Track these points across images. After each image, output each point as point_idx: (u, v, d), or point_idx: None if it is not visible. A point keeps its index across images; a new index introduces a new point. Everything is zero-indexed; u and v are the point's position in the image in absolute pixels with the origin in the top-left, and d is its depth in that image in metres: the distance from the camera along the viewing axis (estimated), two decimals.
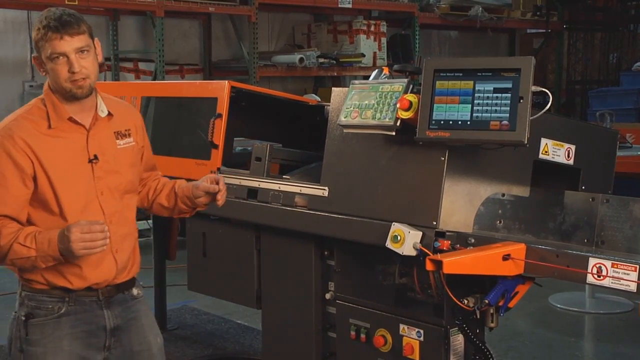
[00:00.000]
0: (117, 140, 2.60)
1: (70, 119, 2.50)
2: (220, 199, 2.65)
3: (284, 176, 3.57)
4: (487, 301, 2.68)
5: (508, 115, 2.59)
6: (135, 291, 2.68)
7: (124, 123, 2.65)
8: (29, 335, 2.50)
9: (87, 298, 2.54)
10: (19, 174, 2.42)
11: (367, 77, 3.22)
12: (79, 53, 2.42)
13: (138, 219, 2.76)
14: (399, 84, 2.91)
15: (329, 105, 3.33)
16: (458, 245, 2.76)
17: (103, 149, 2.55)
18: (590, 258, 2.46)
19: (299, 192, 3.34)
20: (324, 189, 3.23)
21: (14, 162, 2.41)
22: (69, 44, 2.40)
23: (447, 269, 2.52)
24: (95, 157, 2.52)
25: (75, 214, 2.45)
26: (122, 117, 2.65)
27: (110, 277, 2.56)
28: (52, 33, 2.40)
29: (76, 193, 2.48)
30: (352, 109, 2.99)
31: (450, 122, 2.68)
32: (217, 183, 2.65)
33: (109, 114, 2.59)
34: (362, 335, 3.20)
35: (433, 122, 2.71)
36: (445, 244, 2.76)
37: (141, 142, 2.72)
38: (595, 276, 2.44)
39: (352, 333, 3.24)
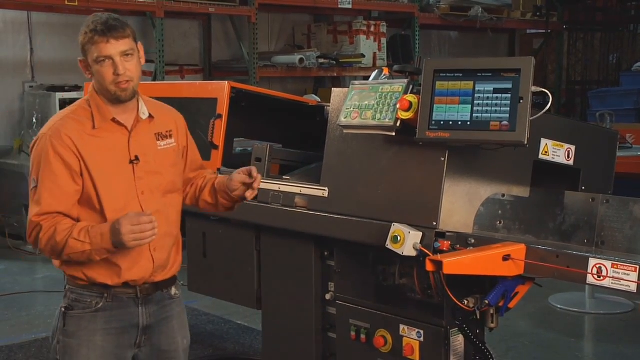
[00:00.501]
0: (158, 142, 2.67)
1: (114, 120, 2.57)
2: (251, 193, 2.67)
3: (284, 177, 3.57)
4: (487, 302, 2.68)
5: (508, 115, 2.59)
6: (173, 290, 2.75)
7: (165, 125, 2.72)
8: (67, 327, 2.59)
9: (125, 295, 2.61)
10: (68, 171, 2.49)
11: (367, 78, 3.22)
12: (124, 56, 2.50)
13: None
14: (399, 84, 2.91)
15: (329, 106, 3.33)
16: (458, 246, 2.76)
17: (144, 150, 2.61)
18: (590, 258, 2.46)
19: (299, 192, 3.34)
20: (324, 190, 3.23)
21: (63, 161, 2.49)
22: (115, 47, 2.48)
23: (447, 270, 2.52)
24: (137, 157, 2.59)
25: (115, 212, 2.51)
26: (163, 119, 2.72)
27: (147, 275, 2.62)
28: (99, 37, 2.47)
29: (116, 192, 2.54)
30: (352, 109, 2.99)
31: (450, 123, 2.68)
32: (250, 175, 2.67)
33: (150, 116, 2.66)
34: (362, 336, 3.20)
35: (433, 122, 2.71)
36: (445, 244, 2.76)
37: (183, 143, 2.78)
38: (596, 277, 2.43)
39: (352, 334, 3.24)
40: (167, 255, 2.67)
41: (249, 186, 2.69)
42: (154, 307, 2.67)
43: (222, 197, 2.78)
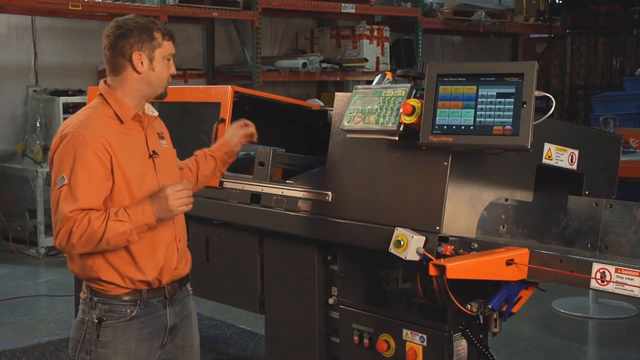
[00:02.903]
0: (160, 141, 2.75)
1: (135, 116, 2.62)
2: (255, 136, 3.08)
3: (287, 181, 3.57)
4: (490, 306, 2.67)
5: (511, 120, 2.59)
6: (188, 286, 2.81)
7: (159, 127, 2.80)
8: (100, 337, 2.59)
9: (155, 299, 2.65)
10: (103, 168, 2.51)
11: (370, 82, 3.22)
12: None
13: None
14: (402, 88, 2.91)
15: (332, 110, 3.33)
16: (461, 250, 2.76)
17: (156, 146, 2.69)
18: (593, 263, 2.45)
19: (302, 197, 3.34)
20: (327, 194, 3.23)
21: (99, 158, 2.50)
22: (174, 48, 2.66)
23: (450, 274, 2.51)
24: (154, 152, 2.66)
25: None
26: (158, 123, 2.81)
27: (173, 264, 2.67)
28: (170, 37, 2.62)
29: (146, 187, 2.58)
30: (355, 113, 2.99)
31: (454, 127, 2.68)
32: (247, 126, 3.04)
33: (156, 115, 2.74)
34: (366, 341, 3.19)
35: (436, 127, 2.71)
36: (448, 248, 2.75)
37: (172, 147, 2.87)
38: (599, 281, 2.43)
39: (356, 338, 3.23)
40: (185, 247, 2.75)
41: (249, 136, 3.02)
42: (178, 306, 2.72)
43: (222, 161, 3.03)
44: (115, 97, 2.59)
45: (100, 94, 2.62)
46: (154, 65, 2.57)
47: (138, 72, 2.57)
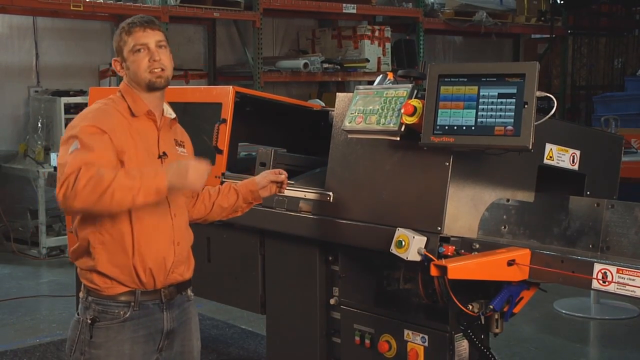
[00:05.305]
0: (176, 147, 2.76)
1: (148, 113, 2.65)
2: (281, 189, 2.99)
3: (288, 181, 3.57)
4: (491, 307, 2.68)
5: (512, 120, 2.59)
6: (189, 292, 2.79)
7: (180, 135, 2.83)
8: (94, 338, 2.59)
9: (151, 302, 2.63)
10: (111, 146, 2.51)
11: (371, 83, 3.22)
12: (158, 47, 2.64)
13: None
14: (404, 89, 2.91)
15: (333, 111, 3.34)
16: (463, 251, 2.76)
17: (168, 148, 2.70)
18: (595, 264, 2.46)
19: (304, 197, 3.34)
20: (329, 194, 3.23)
21: (110, 139, 2.51)
22: (151, 36, 2.62)
23: (451, 275, 2.51)
24: (165, 153, 2.67)
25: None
26: (180, 130, 2.84)
27: (168, 265, 2.62)
28: (137, 27, 2.63)
29: None
30: (356, 114, 2.99)
31: (455, 128, 2.68)
32: (280, 174, 2.97)
33: (174, 118, 2.76)
34: (367, 341, 3.19)
35: (437, 127, 2.71)
36: (449, 249, 2.75)
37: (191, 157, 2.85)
38: (601, 282, 2.43)
39: (357, 338, 3.23)
40: (186, 252, 2.72)
41: (278, 184, 2.95)
42: (176, 311, 2.70)
43: (244, 200, 2.95)
44: (131, 94, 2.65)
45: (119, 91, 2.68)
46: (128, 63, 2.63)
47: (121, 75, 2.70)
